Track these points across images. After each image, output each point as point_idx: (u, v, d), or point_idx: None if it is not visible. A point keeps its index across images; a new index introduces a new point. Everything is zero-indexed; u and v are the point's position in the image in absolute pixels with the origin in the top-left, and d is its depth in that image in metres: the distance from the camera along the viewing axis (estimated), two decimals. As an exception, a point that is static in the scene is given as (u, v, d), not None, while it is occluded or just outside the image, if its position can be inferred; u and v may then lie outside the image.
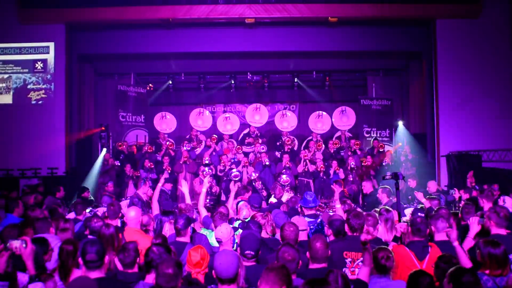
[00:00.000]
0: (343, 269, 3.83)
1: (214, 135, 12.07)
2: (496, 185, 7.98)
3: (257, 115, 12.96)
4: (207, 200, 9.37)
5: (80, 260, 3.23)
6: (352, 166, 10.54)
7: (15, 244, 3.14)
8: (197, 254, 3.63)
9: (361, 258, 3.65)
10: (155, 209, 5.93)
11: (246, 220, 5.20)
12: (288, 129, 12.74)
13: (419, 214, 5.58)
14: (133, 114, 12.97)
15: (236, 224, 5.24)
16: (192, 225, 4.68)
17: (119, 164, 11.14)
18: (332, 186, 8.73)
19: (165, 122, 12.71)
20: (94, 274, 3.18)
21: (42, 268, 3.49)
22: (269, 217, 4.76)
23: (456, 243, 3.62)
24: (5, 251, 3.06)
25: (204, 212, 5.43)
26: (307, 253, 3.49)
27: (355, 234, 4.11)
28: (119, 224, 5.24)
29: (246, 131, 13.21)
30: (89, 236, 4.47)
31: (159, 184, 6.44)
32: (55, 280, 3.29)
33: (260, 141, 11.95)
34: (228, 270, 2.91)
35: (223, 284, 2.93)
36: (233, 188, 6.43)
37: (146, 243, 3.94)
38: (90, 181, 10.89)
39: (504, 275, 3.29)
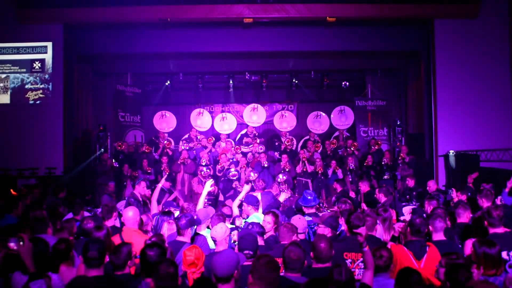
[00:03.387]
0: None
1: (211, 137, 12.08)
2: (490, 184, 7.97)
3: (254, 115, 12.99)
4: (205, 200, 9.34)
5: (80, 257, 3.25)
6: (351, 167, 10.55)
7: (13, 241, 3.15)
8: (191, 254, 3.62)
9: (361, 259, 3.66)
10: (154, 208, 5.91)
11: (247, 220, 5.22)
12: (287, 129, 12.76)
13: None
14: (131, 114, 12.97)
15: (240, 223, 5.25)
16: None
17: (117, 165, 11.13)
18: (334, 185, 8.78)
19: (165, 121, 12.74)
20: (94, 272, 3.22)
21: (47, 264, 3.53)
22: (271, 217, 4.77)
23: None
24: (3, 248, 3.07)
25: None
26: (311, 253, 3.50)
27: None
28: (117, 225, 5.23)
29: (244, 131, 13.23)
30: (81, 237, 4.45)
31: (159, 184, 6.40)
32: (55, 280, 3.30)
33: (258, 140, 11.95)
34: (224, 268, 2.92)
35: (218, 282, 2.95)
36: (246, 189, 6.20)
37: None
38: (86, 181, 10.90)
39: (498, 274, 3.29)
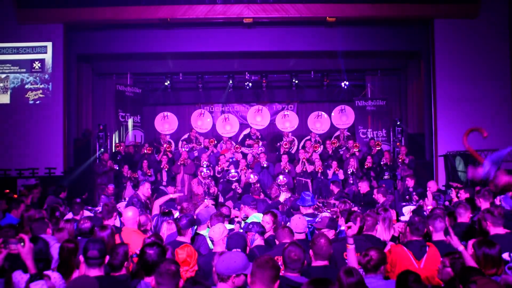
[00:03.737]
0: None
1: (212, 138, 12.05)
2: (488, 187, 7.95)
3: (258, 117, 12.93)
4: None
5: (81, 257, 3.25)
6: (353, 169, 10.55)
7: (13, 243, 3.15)
8: (183, 252, 3.64)
9: None
10: (155, 210, 5.94)
11: (247, 221, 5.23)
12: (289, 129, 12.74)
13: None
14: (131, 114, 12.97)
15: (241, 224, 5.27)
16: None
17: (117, 167, 11.14)
18: (330, 186, 8.79)
19: (167, 122, 12.72)
20: (94, 272, 3.21)
21: (47, 262, 3.52)
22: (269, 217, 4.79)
23: (461, 248, 3.51)
24: (4, 249, 3.07)
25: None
26: (310, 251, 3.50)
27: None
28: (117, 224, 5.24)
29: (246, 132, 13.18)
30: (79, 238, 4.45)
31: (171, 196, 6.45)
32: (56, 278, 3.30)
33: (260, 143, 11.93)
34: (222, 267, 2.93)
35: (217, 279, 2.96)
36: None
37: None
38: (86, 181, 10.90)
39: (498, 274, 3.29)
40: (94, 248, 3.21)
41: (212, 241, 4.08)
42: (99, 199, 9.54)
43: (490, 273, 3.27)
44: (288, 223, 4.88)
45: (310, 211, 5.48)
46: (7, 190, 8.67)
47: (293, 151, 12.35)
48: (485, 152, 10.59)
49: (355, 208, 5.96)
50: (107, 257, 3.30)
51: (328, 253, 3.45)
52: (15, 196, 8.31)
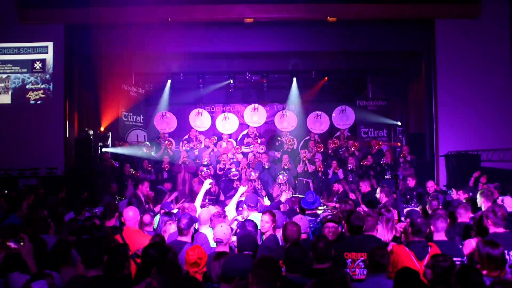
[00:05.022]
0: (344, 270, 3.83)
1: (214, 137, 12.07)
2: (495, 184, 7.97)
3: (255, 115, 12.96)
4: (206, 200, 9.37)
5: (79, 257, 3.25)
6: (352, 167, 10.57)
7: (13, 242, 3.15)
8: (194, 253, 3.62)
9: (362, 258, 3.66)
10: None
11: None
12: (288, 129, 12.74)
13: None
14: (134, 114, 12.97)
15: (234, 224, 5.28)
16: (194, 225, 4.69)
17: (118, 165, 11.13)
18: (335, 186, 8.81)
19: (166, 122, 12.74)
20: (92, 272, 3.21)
21: (46, 262, 3.52)
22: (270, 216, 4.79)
23: None
24: (3, 249, 3.08)
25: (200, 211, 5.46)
26: (310, 253, 3.50)
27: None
28: (117, 224, 5.24)
29: (244, 132, 13.21)
30: (83, 236, 4.46)
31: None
32: (56, 277, 3.31)
33: (258, 140, 11.94)
34: (227, 268, 2.92)
35: (222, 280, 2.96)
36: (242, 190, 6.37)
37: (145, 243, 3.93)
38: (90, 181, 10.87)
39: (501, 276, 3.28)
40: (92, 248, 3.21)
41: (221, 242, 4.02)
42: (101, 198, 9.55)
43: (493, 274, 3.26)
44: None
45: (313, 211, 5.49)
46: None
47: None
48: (486, 152, 10.62)
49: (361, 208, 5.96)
50: (105, 257, 3.30)
51: (328, 256, 3.45)
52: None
